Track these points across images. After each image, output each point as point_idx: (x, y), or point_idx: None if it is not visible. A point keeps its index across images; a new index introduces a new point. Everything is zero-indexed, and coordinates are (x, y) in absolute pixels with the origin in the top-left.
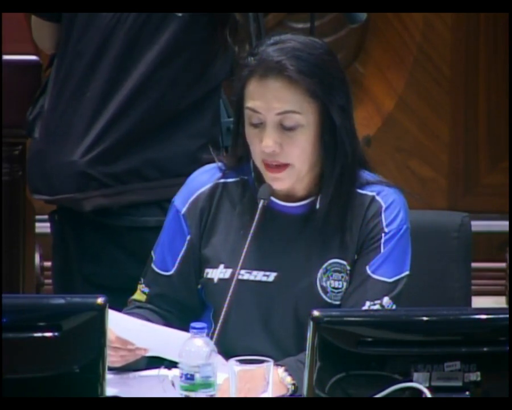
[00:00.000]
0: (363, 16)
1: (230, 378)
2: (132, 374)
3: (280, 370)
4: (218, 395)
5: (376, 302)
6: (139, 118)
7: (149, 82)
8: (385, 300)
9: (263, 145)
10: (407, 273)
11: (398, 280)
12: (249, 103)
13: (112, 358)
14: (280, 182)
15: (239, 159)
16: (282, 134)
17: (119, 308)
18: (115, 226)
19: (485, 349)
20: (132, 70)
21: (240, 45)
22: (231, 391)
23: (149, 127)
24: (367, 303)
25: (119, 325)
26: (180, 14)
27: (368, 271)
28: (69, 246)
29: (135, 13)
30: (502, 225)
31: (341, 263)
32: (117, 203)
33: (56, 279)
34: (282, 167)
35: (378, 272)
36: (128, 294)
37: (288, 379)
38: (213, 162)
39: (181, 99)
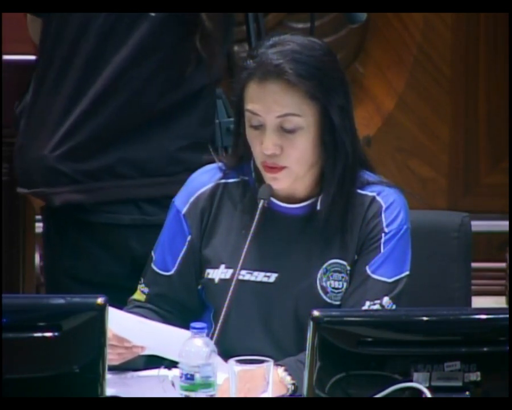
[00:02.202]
0: (363, 16)
1: (230, 378)
2: (131, 374)
3: (280, 370)
4: (218, 395)
5: (376, 302)
6: (111, 116)
7: (120, 81)
8: (385, 300)
9: (263, 147)
10: (407, 273)
11: (398, 280)
12: (249, 106)
13: (109, 356)
14: (278, 182)
15: (240, 159)
16: (282, 136)
17: (118, 306)
18: (90, 222)
19: (485, 349)
20: (103, 68)
21: (239, 45)
22: (231, 391)
23: (123, 126)
24: (367, 303)
25: (117, 322)
26: (152, 14)
27: (368, 271)
28: (52, 240)
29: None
30: (502, 225)
31: (341, 264)
32: (89, 199)
33: (45, 275)
34: (280, 168)
35: (378, 272)
36: (108, 289)
37: (288, 379)
38: (197, 162)
39: (157, 101)
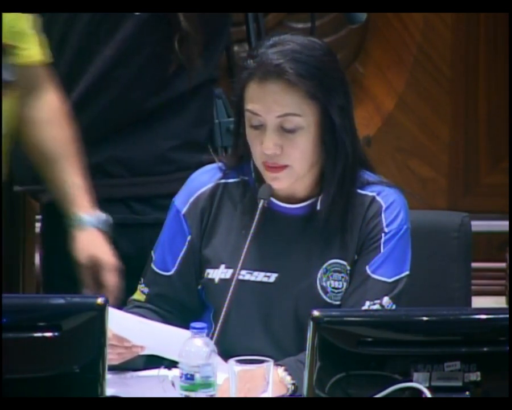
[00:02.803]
0: (363, 16)
1: (230, 378)
2: (131, 374)
3: (280, 370)
4: (218, 395)
5: (376, 301)
6: (98, 115)
7: (107, 79)
8: (385, 300)
9: (264, 147)
10: (407, 273)
11: (398, 280)
12: (249, 106)
13: (109, 356)
14: (279, 182)
15: (240, 159)
16: (282, 136)
17: (118, 306)
18: None
19: (485, 349)
20: (89, 67)
21: (239, 45)
22: (231, 391)
23: (111, 126)
24: (367, 303)
25: (117, 322)
26: (137, 13)
27: (368, 271)
28: (46, 239)
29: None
30: (502, 225)
31: (341, 264)
32: None
33: (41, 274)
34: (281, 167)
35: (378, 272)
36: None
37: (288, 379)
38: (190, 161)
39: (144, 100)
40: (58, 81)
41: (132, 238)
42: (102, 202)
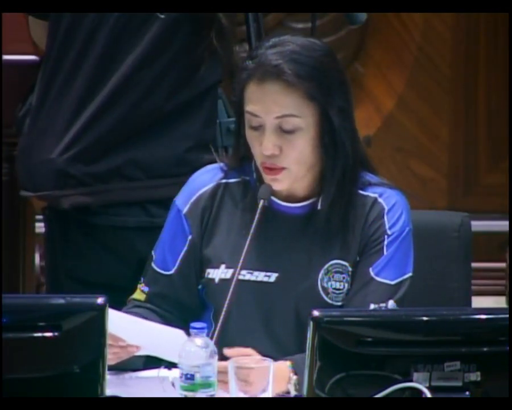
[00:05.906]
0: (363, 16)
1: (230, 378)
2: (131, 375)
3: (287, 367)
4: (216, 370)
5: (381, 305)
6: (119, 119)
7: (130, 83)
8: (390, 303)
9: (262, 148)
10: (410, 274)
11: (401, 282)
12: (248, 107)
13: None
14: (278, 183)
15: (241, 159)
16: (281, 137)
17: (113, 306)
18: (96, 224)
19: (485, 349)
20: (113, 70)
21: (239, 45)
22: (231, 391)
23: (131, 128)
24: (371, 306)
25: (113, 322)
26: (162, 16)
27: (372, 274)
28: (55, 242)
29: (118, 13)
30: (502, 225)
31: (342, 264)
32: (96, 202)
33: (46, 275)
34: (279, 169)
35: (381, 274)
36: (114, 291)
37: (295, 379)
38: (203, 162)
39: (165, 102)
40: (82, 84)
41: (148, 241)
42: (120, 206)
